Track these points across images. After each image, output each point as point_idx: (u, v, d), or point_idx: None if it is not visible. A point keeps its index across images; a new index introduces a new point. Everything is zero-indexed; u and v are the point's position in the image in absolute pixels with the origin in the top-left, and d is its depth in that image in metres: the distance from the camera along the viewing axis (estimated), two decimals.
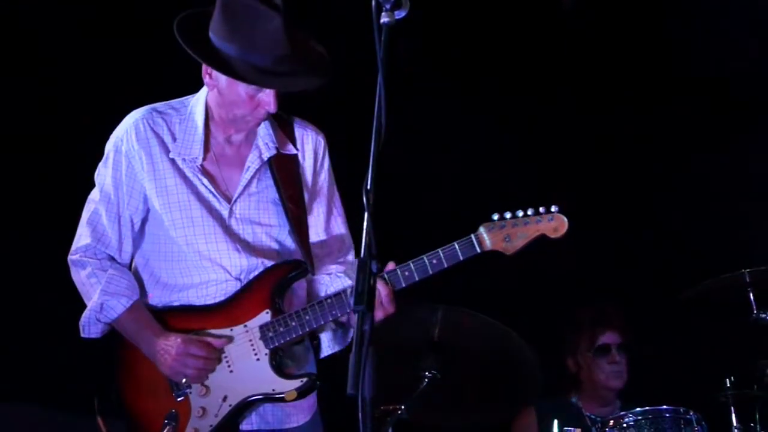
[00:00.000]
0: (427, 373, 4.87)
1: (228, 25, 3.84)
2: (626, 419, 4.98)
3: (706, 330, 6.09)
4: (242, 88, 3.89)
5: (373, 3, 3.01)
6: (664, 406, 4.99)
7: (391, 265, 3.88)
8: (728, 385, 5.15)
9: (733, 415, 5.13)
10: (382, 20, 3.01)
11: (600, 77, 6.53)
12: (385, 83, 2.96)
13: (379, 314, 3.80)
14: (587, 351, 5.73)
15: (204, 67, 3.95)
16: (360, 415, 2.82)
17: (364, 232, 2.92)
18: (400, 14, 3.02)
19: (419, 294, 4.13)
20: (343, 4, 5.13)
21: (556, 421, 5.06)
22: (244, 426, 3.96)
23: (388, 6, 3.00)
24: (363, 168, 2.93)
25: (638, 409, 4.99)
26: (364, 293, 2.87)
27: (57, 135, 5.58)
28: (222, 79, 3.92)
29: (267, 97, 3.89)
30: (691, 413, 4.97)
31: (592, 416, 5.67)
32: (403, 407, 4.81)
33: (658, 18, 6.42)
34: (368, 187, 2.94)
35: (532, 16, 6.43)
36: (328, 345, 4.12)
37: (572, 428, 5.15)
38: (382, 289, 3.82)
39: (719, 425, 5.14)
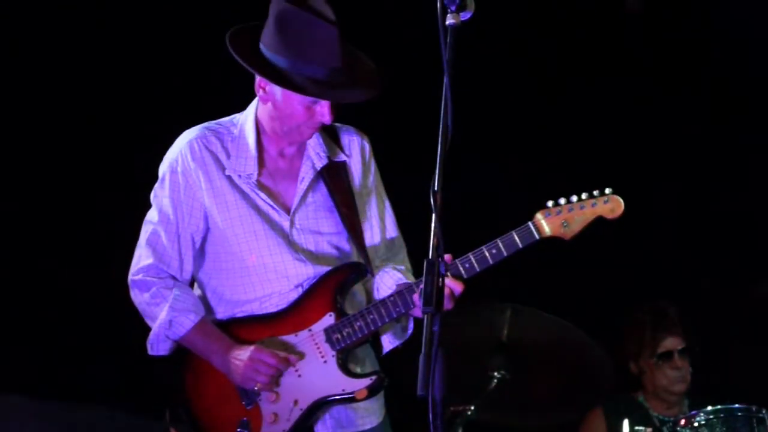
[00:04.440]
0: (495, 374, 4.87)
1: (282, 37, 3.84)
2: (698, 418, 4.92)
3: None
4: (298, 100, 3.88)
5: (438, 5, 3.02)
6: (737, 405, 4.93)
7: (447, 258, 3.85)
8: None
9: None
10: (447, 22, 3.02)
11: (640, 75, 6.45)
12: (450, 85, 2.97)
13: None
14: (649, 357, 5.66)
15: (258, 80, 3.94)
16: (430, 416, 2.83)
17: (432, 233, 2.93)
18: (465, 16, 3.03)
19: (487, 294, 4.12)
20: (408, 7, 5.13)
21: (626, 421, 5.02)
22: (319, 430, 3.99)
23: (453, 8, 3.01)
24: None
25: (710, 408, 4.93)
26: (432, 294, 2.88)
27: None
28: (277, 92, 3.91)
29: (322, 108, 3.88)
30: (764, 411, 4.91)
31: (660, 416, 5.63)
32: (472, 408, 4.82)
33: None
34: (435, 188, 2.95)
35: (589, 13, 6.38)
36: (389, 341, 4.13)
37: (642, 428, 5.12)
38: (456, 286, 3.86)
39: None
